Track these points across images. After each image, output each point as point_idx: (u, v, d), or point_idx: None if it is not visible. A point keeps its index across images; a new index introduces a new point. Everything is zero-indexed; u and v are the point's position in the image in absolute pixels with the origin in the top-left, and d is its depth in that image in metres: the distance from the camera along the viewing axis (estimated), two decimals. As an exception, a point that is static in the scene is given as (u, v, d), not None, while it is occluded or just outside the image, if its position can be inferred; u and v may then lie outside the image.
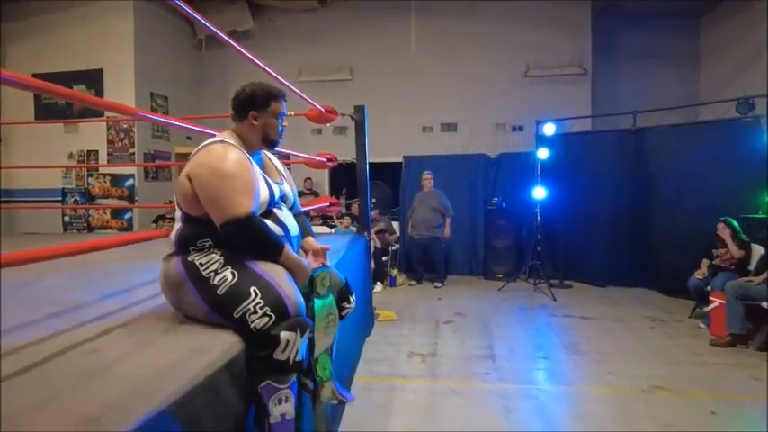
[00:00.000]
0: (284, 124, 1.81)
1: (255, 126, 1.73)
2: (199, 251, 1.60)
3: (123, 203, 7.37)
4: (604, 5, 8.06)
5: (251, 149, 1.74)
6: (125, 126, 7.36)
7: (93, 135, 7.47)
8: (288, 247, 1.65)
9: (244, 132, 1.74)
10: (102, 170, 7.55)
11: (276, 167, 1.89)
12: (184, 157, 8.44)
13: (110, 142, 7.47)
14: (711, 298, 4.20)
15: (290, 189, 1.88)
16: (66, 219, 7.66)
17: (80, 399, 1.05)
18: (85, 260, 3.04)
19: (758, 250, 4.31)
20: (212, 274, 1.54)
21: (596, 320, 4.72)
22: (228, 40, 2.55)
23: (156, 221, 7.14)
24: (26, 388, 1.12)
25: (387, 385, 3.10)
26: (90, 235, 7.11)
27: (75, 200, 7.62)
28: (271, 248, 1.61)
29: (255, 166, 1.69)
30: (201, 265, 1.57)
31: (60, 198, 7.60)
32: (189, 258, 1.59)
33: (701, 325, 4.41)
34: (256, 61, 2.76)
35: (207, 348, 1.35)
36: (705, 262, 4.59)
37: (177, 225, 1.68)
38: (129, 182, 7.41)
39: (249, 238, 1.58)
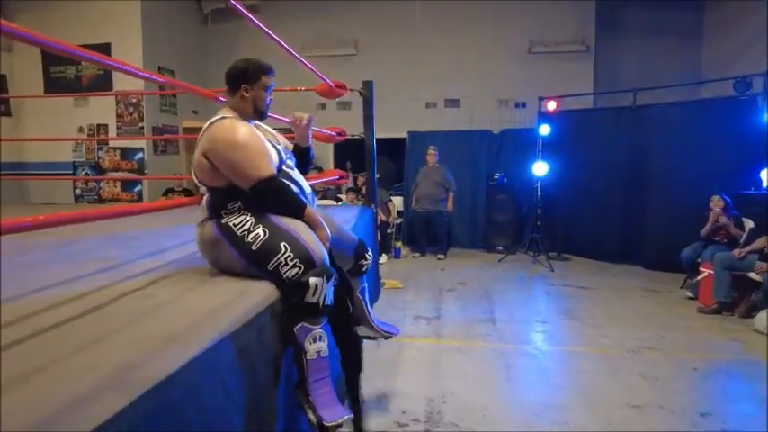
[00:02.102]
0: (271, 97, 1.96)
1: (246, 98, 1.89)
2: (231, 213, 1.79)
3: (133, 176, 7.54)
4: (608, -18, 8.08)
5: (246, 121, 1.89)
6: (134, 100, 7.48)
7: (102, 109, 7.59)
8: (309, 207, 1.85)
9: (236, 105, 1.91)
10: (111, 144, 7.70)
11: (269, 131, 2.06)
12: (191, 131, 8.59)
13: (119, 116, 7.60)
14: (701, 269, 4.42)
15: (287, 148, 2.06)
16: (78, 191, 7.84)
17: (154, 327, 1.26)
18: (108, 226, 3.24)
19: (748, 224, 4.52)
20: (246, 232, 1.73)
21: (592, 290, 4.95)
22: (244, 11, 2.67)
23: (165, 194, 7.34)
24: (100, 322, 1.32)
25: (394, 343, 3.32)
26: (103, 206, 7.30)
27: (86, 173, 7.79)
28: (296, 206, 1.80)
29: (261, 134, 1.88)
30: (235, 225, 1.76)
31: (71, 171, 7.77)
32: (222, 221, 1.79)
33: (690, 294, 4.64)
34: (269, 32, 2.86)
35: (250, 292, 1.56)
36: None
37: (206, 195, 1.87)
38: (139, 155, 7.56)
39: (276, 196, 1.78)
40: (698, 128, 5.48)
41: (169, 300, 1.54)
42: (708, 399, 2.69)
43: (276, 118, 3.46)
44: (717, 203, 4.58)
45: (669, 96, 6.12)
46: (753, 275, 3.96)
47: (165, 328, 1.23)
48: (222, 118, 1.84)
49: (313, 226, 1.81)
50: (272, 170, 1.77)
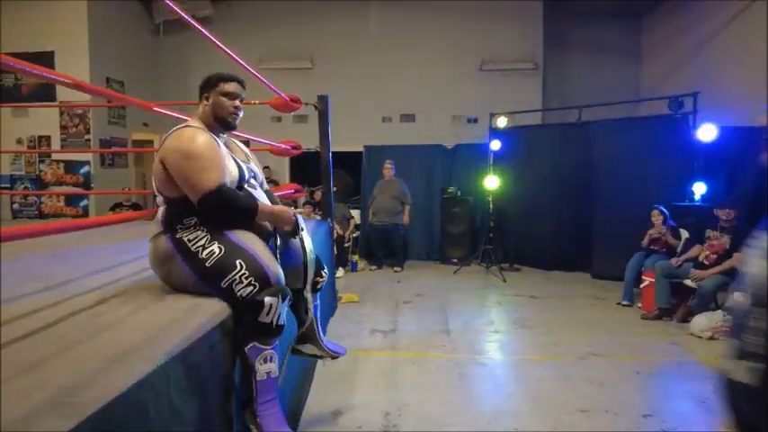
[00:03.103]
0: (236, 104, 1.91)
1: (207, 106, 1.90)
2: (186, 229, 1.75)
3: (78, 190, 7.23)
4: (555, 4, 8.51)
5: (213, 132, 1.88)
6: (80, 111, 7.21)
7: (44, 120, 7.26)
8: (261, 202, 1.83)
9: (201, 115, 1.90)
10: (55, 156, 7.37)
11: (241, 148, 2.06)
12: (141, 144, 8.34)
13: (63, 128, 7.30)
14: (643, 277, 4.65)
15: (256, 167, 2.05)
16: (16, 206, 7.44)
17: (99, 347, 1.22)
18: (57, 242, 3.11)
19: (684, 234, 4.81)
20: (200, 248, 1.70)
21: (543, 299, 5.12)
22: (192, 21, 2.65)
23: (113, 209, 7.06)
24: (48, 341, 1.28)
25: (350, 357, 3.31)
26: (44, 222, 6.95)
27: (26, 187, 7.41)
28: (246, 210, 1.78)
29: (223, 146, 1.86)
30: (189, 241, 1.72)
31: (9, 185, 7.37)
32: (177, 236, 1.74)
33: (626, 302, 4.83)
34: (220, 45, 2.86)
35: (201, 309, 1.54)
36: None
37: (162, 207, 1.83)
38: (85, 169, 7.27)
39: (224, 206, 1.74)
40: (638, 143, 5.79)
41: (117, 318, 1.50)
42: (649, 400, 2.83)
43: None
44: (657, 217, 4.82)
45: (613, 112, 6.48)
46: (688, 282, 4.21)
47: (111, 347, 1.20)
48: (186, 126, 1.83)
49: (274, 218, 1.84)
50: (217, 181, 1.71)
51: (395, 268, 6.53)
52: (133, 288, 1.90)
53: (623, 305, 4.76)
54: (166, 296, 1.75)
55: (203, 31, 2.69)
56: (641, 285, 4.68)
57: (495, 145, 6.65)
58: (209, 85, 1.90)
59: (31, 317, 1.49)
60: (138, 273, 2.18)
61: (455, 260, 6.81)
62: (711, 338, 3.74)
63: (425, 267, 6.81)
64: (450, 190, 7.15)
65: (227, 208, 1.75)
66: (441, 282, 5.91)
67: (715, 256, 4.12)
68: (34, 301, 1.67)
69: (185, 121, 1.92)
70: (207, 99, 1.89)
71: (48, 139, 7.33)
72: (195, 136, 1.77)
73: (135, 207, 6.88)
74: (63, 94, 7.04)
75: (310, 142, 4.69)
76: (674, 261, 4.36)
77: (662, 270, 4.36)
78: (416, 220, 7.00)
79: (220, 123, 1.90)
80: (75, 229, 1.62)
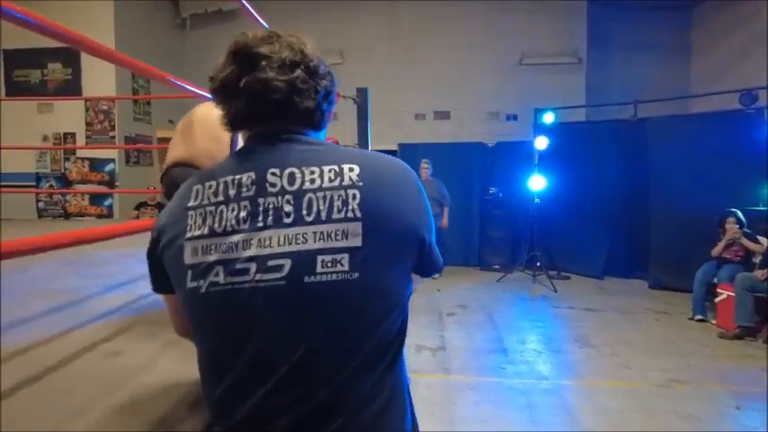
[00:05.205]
0: None
1: None
2: None
3: (103, 188, 7.01)
4: (599, -5, 7.99)
5: None
6: (105, 107, 6.99)
7: (69, 116, 7.06)
8: None
9: None
10: (79, 153, 7.17)
11: None
12: (167, 142, 8.10)
13: (88, 124, 7.09)
14: (719, 290, 4.16)
15: None
16: (41, 205, 7.26)
17: (116, 409, 0.86)
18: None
19: (763, 242, 4.29)
20: None
21: (600, 312, 4.65)
22: (253, 12, 2.41)
23: (137, 208, 6.82)
24: (43, 400, 0.92)
25: (400, 381, 2.95)
26: (67, 222, 6.76)
27: (51, 185, 7.23)
28: None
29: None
30: None
31: (34, 183, 7.20)
32: None
33: (700, 316, 4.34)
34: (264, 23, 2.62)
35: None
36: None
37: None
38: (110, 166, 7.05)
39: (168, 193, 1.37)
40: (701, 141, 5.27)
41: (136, 363, 1.14)
42: (761, 445, 2.39)
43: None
44: (732, 225, 4.30)
45: (660, 109, 5.98)
46: (778, 298, 3.71)
47: (132, 421, 0.83)
48: None
49: None
50: (176, 159, 1.36)
51: (433, 275, 6.11)
52: (160, 311, 1.54)
53: (697, 320, 4.26)
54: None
55: (260, 19, 2.41)
56: (716, 299, 4.18)
57: (541, 143, 6.18)
58: None
59: (26, 355, 1.14)
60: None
61: (497, 266, 6.37)
62: (813, 366, 3.25)
63: (465, 274, 6.38)
64: (491, 191, 6.70)
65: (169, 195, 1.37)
66: (484, 291, 5.48)
67: (811, 269, 3.62)
68: (37, 329, 1.32)
69: None
70: None
71: (73, 136, 7.13)
72: (211, 108, 1.41)
73: (159, 207, 6.61)
74: (88, 90, 6.84)
75: (342, 140, 4.33)
76: (758, 273, 3.85)
77: (744, 283, 3.86)
78: (453, 223, 6.55)
79: None
80: (78, 243, 1.27)
